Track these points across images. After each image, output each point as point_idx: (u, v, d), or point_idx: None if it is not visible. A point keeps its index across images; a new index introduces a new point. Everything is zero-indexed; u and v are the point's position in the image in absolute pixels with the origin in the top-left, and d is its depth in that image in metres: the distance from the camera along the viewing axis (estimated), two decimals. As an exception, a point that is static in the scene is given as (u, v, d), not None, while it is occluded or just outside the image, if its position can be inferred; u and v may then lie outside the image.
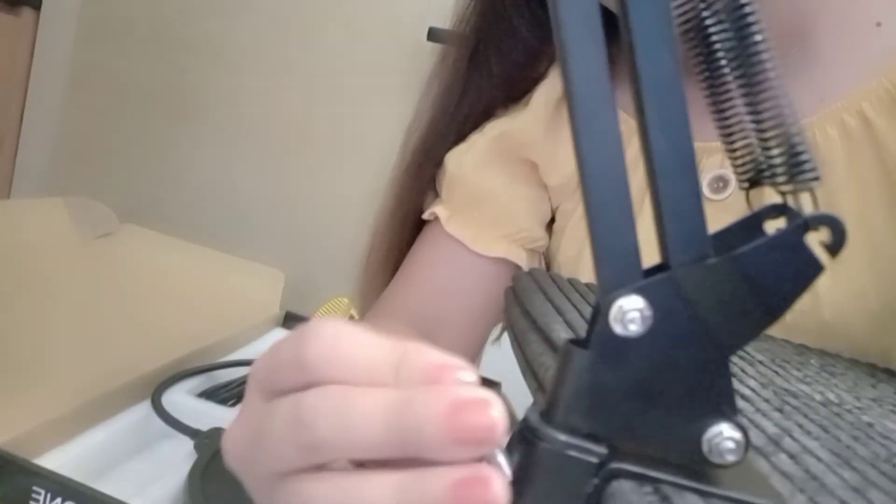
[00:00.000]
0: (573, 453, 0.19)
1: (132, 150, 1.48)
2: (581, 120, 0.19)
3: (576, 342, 0.20)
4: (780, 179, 0.18)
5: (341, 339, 0.21)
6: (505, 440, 0.19)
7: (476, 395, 0.19)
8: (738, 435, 0.19)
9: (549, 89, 0.56)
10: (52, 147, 1.50)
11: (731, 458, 0.19)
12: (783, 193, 0.19)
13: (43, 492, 0.49)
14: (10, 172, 1.47)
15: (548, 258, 0.61)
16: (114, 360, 0.70)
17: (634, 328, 0.18)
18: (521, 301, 0.42)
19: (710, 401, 0.19)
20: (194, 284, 0.99)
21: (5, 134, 1.44)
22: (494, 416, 0.18)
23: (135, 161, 1.47)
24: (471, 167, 0.57)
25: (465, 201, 0.57)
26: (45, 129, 1.48)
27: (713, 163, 0.51)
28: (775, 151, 0.18)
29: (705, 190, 0.51)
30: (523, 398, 0.32)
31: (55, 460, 0.54)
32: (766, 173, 0.19)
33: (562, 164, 0.56)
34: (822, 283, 0.46)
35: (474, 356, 0.59)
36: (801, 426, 0.27)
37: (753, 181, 0.20)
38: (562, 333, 0.32)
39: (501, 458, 0.19)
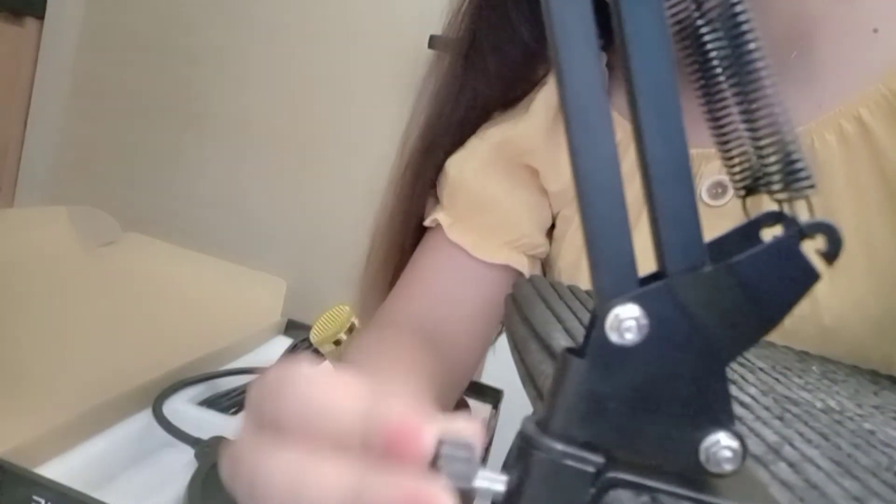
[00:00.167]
0: (570, 462, 0.19)
1: (135, 159, 1.48)
2: (576, 128, 0.19)
3: (572, 351, 0.19)
4: (776, 187, 0.18)
5: (316, 400, 0.22)
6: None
7: (427, 491, 0.19)
8: (735, 444, 0.19)
9: (549, 95, 0.56)
10: (55, 156, 1.51)
11: (728, 467, 0.19)
12: (779, 201, 0.19)
13: (43, 501, 0.49)
14: (14, 181, 1.47)
15: (548, 264, 0.61)
16: (115, 368, 0.70)
17: (631, 337, 0.18)
18: (522, 308, 0.42)
19: (708, 409, 0.19)
20: (196, 293, 0.99)
21: (8, 143, 1.45)
22: None
23: (137, 170, 1.48)
24: (472, 174, 0.57)
25: (466, 208, 0.57)
26: (49, 138, 1.49)
27: (712, 169, 0.51)
28: (771, 159, 0.18)
29: (704, 196, 0.51)
30: (527, 405, 0.32)
31: (56, 469, 0.54)
32: (762, 181, 0.19)
33: (562, 171, 0.56)
34: (821, 288, 0.47)
35: (477, 362, 0.59)
36: (801, 434, 0.27)
37: (749, 189, 0.20)
38: (561, 341, 0.32)
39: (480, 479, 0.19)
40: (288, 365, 0.24)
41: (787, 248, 0.18)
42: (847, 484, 0.23)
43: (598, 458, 0.19)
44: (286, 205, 1.42)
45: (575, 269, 0.57)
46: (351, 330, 0.78)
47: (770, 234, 0.19)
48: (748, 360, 0.38)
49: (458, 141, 0.58)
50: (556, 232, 0.59)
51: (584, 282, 0.53)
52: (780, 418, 0.29)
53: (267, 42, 1.41)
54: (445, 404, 0.51)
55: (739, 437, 0.19)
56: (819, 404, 0.33)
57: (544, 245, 0.59)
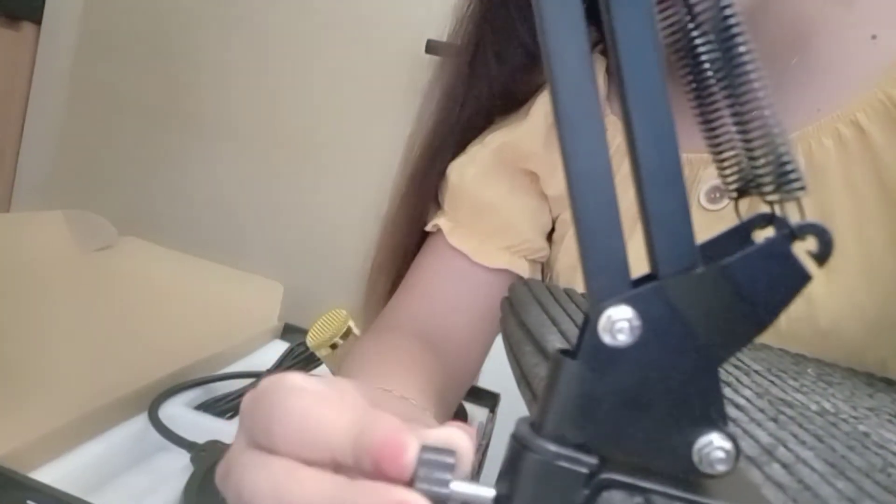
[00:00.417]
0: (563, 464, 0.19)
1: (132, 164, 1.48)
2: (568, 131, 0.19)
3: (565, 352, 0.20)
4: (767, 189, 0.18)
5: (308, 419, 0.23)
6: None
7: (406, 499, 0.20)
8: (728, 445, 0.19)
9: (548, 100, 0.56)
10: (52, 160, 1.50)
11: (721, 468, 0.19)
12: (770, 203, 0.19)
13: (38, 506, 0.49)
14: (10, 185, 1.47)
15: (546, 267, 0.61)
16: (111, 372, 0.70)
17: (623, 338, 0.18)
18: (517, 311, 0.42)
19: (701, 410, 0.19)
20: (193, 296, 0.99)
21: (5, 147, 1.45)
22: None
23: (134, 174, 1.48)
24: (472, 179, 0.57)
25: (467, 213, 0.57)
26: (45, 143, 1.49)
27: (710, 173, 0.51)
28: (762, 161, 0.18)
29: (703, 200, 0.51)
30: (524, 409, 0.32)
31: (51, 474, 0.54)
32: (753, 183, 0.19)
33: (561, 175, 0.56)
34: (817, 291, 0.47)
35: (478, 366, 0.59)
36: (795, 436, 0.27)
37: (742, 191, 0.20)
38: (556, 344, 0.32)
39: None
40: (279, 378, 0.24)
41: (779, 250, 0.18)
42: (841, 485, 0.23)
43: (592, 460, 0.19)
44: (283, 209, 1.42)
45: (573, 271, 0.57)
46: (347, 334, 0.78)
47: (762, 235, 0.19)
48: (743, 363, 0.39)
49: (461, 147, 0.59)
50: (555, 235, 0.59)
51: (581, 285, 0.53)
52: (775, 420, 0.29)
53: (264, 46, 1.41)
54: (446, 407, 0.51)
55: (732, 437, 0.19)
56: (814, 406, 0.33)
57: (545, 249, 0.59)
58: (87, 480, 0.57)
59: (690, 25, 0.19)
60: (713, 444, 0.19)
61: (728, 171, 0.20)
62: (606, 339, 0.19)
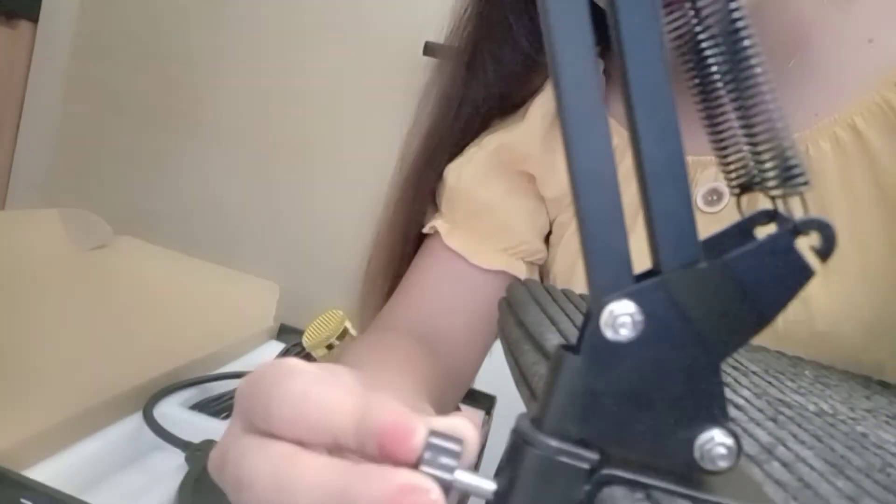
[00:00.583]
0: (564, 459, 0.19)
1: (128, 163, 1.48)
2: (572, 125, 0.19)
3: (567, 347, 0.19)
4: (771, 184, 0.18)
5: (309, 400, 0.22)
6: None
7: (414, 482, 0.19)
8: (730, 441, 0.19)
9: (545, 102, 0.56)
10: (48, 158, 1.50)
11: (723, 464, 0.19)
12: (773, 199, 0.19)
13: (31, 504, 0.49)
14: (6, 183, 1.47)
15: (544, 270, 0.61)
16: (106, 371, 0.69)
17: (625, 333, 0.18)
18: (516, 311, 0.42)
19: (702, 406, 0.19)
20: (189, 296, 0.99)
21: (1, 145, 1.44)
22: (434, 501, 0.19)
23: (130, 173, 1.47)
24: (470, 180, 0.57)
25: (464, 215, 0.57)
26: (41, 141, 1.48)
27: (707, 176, 0.51)
28: (766, 157, 0.18)
29: (699, 202, 0.51)
30: (521, 411, 0.32)
31: (45, 472, 0.53)
32: (757, 179, 0.19)
33: (559, 176, 0.56)
34: (814, 293, 0.47)
35: (475, 368, 0.59)
36: (794, 436, 0.27)
37: (745, 187, 0.20)
38: (555, 342, 0.32)
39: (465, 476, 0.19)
40: (278, 362, 0.24)
41: (782, 245, 0.18)
42: (840, 484, 0.23)
43: (593, 455, 0.19)
44: (280, 210, 1.42)
45: (570, 274, 0.57)
46: (343, 334, 0.78)
47: (764, 232, 0.19)
48: (741, 364, 0.39)
49: (457, 149, 0.58)
50: (552, 238, 0.59)
51: (578, 287, 0.53)
52: (774, 420, 0.29)
53: (261, 46, 1.41)
54: (443, 409, 0.51)
55: (734, 434, 0.19)
56: (812, 407, 0.33)
57: (542, 251, 0.59)
58: (82, 479, 0.56)
59: (696, 23, 0.19)
60: (715, 441, 0.19)
61: (731, 168, 0.20)
62: (608, 333, 0.18)
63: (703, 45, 0.19)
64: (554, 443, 0.19)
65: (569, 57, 0.19)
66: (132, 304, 0.91)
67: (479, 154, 0.57)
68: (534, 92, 0.58)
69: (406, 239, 0.61)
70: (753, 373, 0.37)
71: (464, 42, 0.58)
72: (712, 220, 0.50)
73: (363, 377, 0.26)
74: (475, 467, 0.21)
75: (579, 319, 0.37)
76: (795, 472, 0.23)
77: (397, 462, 0.20)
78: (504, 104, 0.59)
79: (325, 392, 0.22)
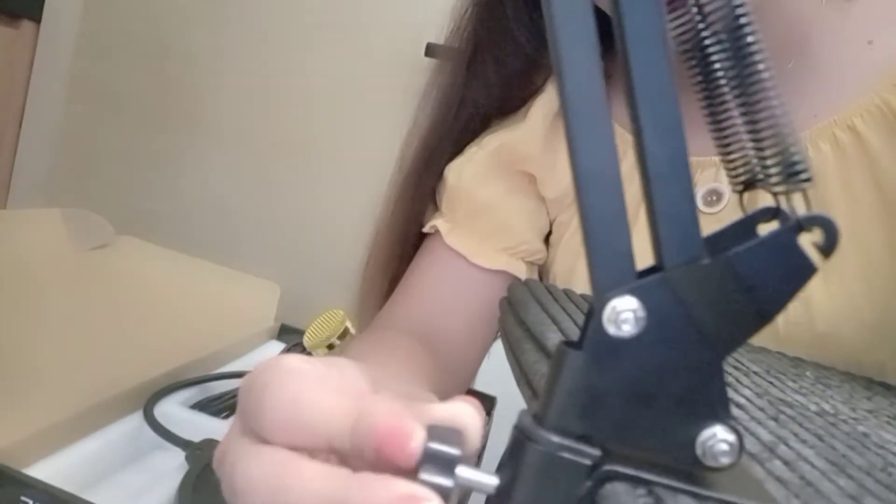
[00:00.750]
0: (566, 455, 0.19)
1: (129, 163, 1.48)
2: (575, 122, 0.19)
3: (569, 344, 0.19)
4: (774, 180, 0.18)
5: (302, 405, 0.21)
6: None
7: (412, 492, 0.19)
8: (732, 437, 0.19)
9: (546, 102, 0.56)
10: (50, 158, 1.50)
11: (725, 460, 0.19)
12: (776, 195, 0.19)
13: (32, 502, 0.49)
14: (8, 183, 1.47)
15: (544, 270, 0.61)
16: (107, 370, 0.69)
17: (628, 329, 0.18)
18: (517, 310, 0.42)
19: (704, 403, 0.19)
20: (190, 296, 0.99)
21: (3, 144, 1.45)
22: None
23: (132, 173, 1.48)
24: (470, 180, 0.57)
25: (465, 214, 0.57)
26: (43, 141, 1.49)
27: (707, 176, 0.51)
28: (769, 153, 0.18)
29: (699, 203, 0.51)
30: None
31: (46, 471, 0.53)
32: (760, 175, 0.19)
33: (559, 177, 0.56)
34: (815, 294, 0.47)
35: (475, 367, 0.59)
36: (796, 435, 0.27)
37: (747, 184, 0.20)
38: (557, 341, 0.32)
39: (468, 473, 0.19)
40: (275, 361, 0.23)
41: (785, 241, 0.18)
42: (842, 482, 0.23)
43: (595, 451, 0.19)
44: (281, 209, 1.42)
45: (570, 274, 0.57)
46: (344, 334, 0.78)
47: (767, 229, 0.19)
48: (742, 364, 0.39)
49: (458, 149, 0.58)
50: (552, 238, 0.59)
51: (578, 287, 0.53)
52: (775, 419, 0.29)
53: (263, 46, 1.41)
54: None
55: (736, 430, 0.19)
56: (813, 407, 0.33)
57: (542, 251, 0.59)
58: (83, 478, 0.56)
59: (699, 20, 0.19)
60: (717, 437, 0.19)
61: (734, 165, 0.20)
62: (611, 329, 0.18)
63: (707, 41, 0.19)
64: (556, 439, 0.19)
65: (573, 55, 0.19)
66: (133, 304, 0.91)
67: (480, 154, 0.57)
68: (534, 92, 0.58)
69: (405, 239, 0.61)
70: (755, 373, 0.37)
71: (464, 43, 0.58)
72: (712, 220, 0.50)
73: (368, 370, 0.26)
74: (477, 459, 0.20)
75: (581, 319, 0.37)
76: (797, 470, 0.23)
77: (395, 467, 0.19)
78: (504, 104, 0.59)
79: (318, 395, 0.21)
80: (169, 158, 1.46)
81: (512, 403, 0.38)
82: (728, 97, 0.19)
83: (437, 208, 0.60)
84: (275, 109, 1.41)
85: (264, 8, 1.40)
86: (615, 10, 0.19)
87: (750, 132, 0.19)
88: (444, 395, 0.56)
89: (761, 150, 0.19)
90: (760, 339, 0.48)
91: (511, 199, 0.57)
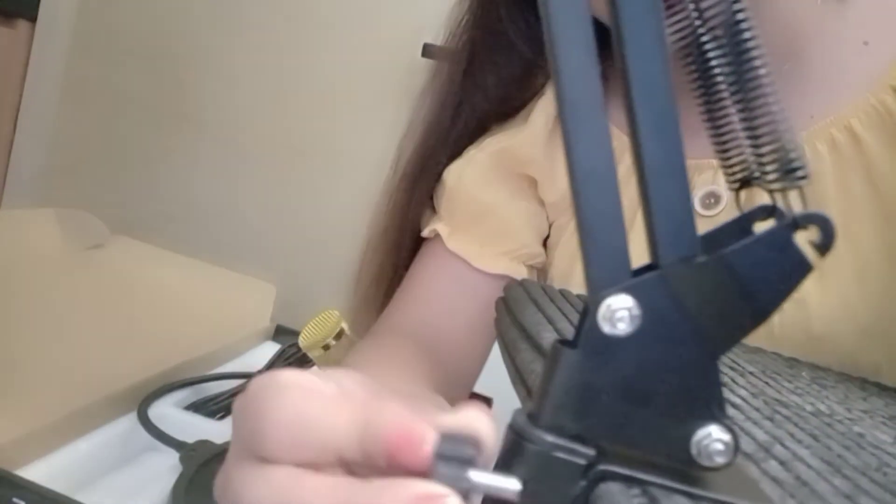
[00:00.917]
0: (560, 455, 0.19)
1: (124, 163, 1.47)
2: (572, 121, 0.19)
3: (564, 342, 0.19)
4: (771, 177, 0.18)
5: (305, 421, 0.20)
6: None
7: (429, 490, 0.18)
8: (727, 437, 0.19)
9: (548, 105, 0.56)
10: (45, 158, 1.50)
11: (720, 460, 0.19)
12: (772, 192, 0.19)
13: (24, 503, 0.48)
14: (2, 182, 1.46)
15: (541, 273, 0.61)
16: (101, 370, 0.69)
17: (623, 327, 0.18)
18: (513, 311, 0.42)
19: (700, 402, 0.19)
20: (185, 297, 0.98)
21: (-2, 145, 1.44)
22: None
23: (127, 173, 1.47)
24: (471, 182, 0.57)
25: (465, 217, 0.57)
26: (38, 140, 1.48)
27: (705, 179, 0.51)
28: (766, 150, 0.18)
29: (697, 206, 0.51)
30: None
31: (38, 472, 0.53)
32: (756, 173, 0.19)
33: (560, 181, 0.56)
34: (811, 295, 0.47)
35: (477, 371, 0.59)
36: (791, 435, 0.27)
37: (744, 181, 0.20)
38: (552, 340, 0.32)
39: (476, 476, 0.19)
40: (268, 378, 0.22)
41: (781, 239, 0.18)
42: (837, 482, 0.23)
43: (589, 451, 0.19)
44: (276, 210, 1.42)
45: (567, 277, 0.57)
46: (340, 335, 0.78)
47: (763, 228, 0.19)
48: (738, 364, 0.38)
49: (454, 153, 0.58)
50: (550, 241, 0.59)
51: (575, 290, 0.53)
52: (771, 419, 0.29)
53: (258, 46, 1.41)
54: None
55: (731, 430, 0.19)
56: (809, 407, 0.33)
57: (542, 255, 0.59)
58: (76, 479, 0.56)
59: (696, 17, 0.19)
60: (712, 437, 0.19)
61: (731, 163, 0.20)
62: (606, 328, 0.18)
63: (704, 39, 0.19)
64: (550, 438, 0.19)
65: (570, 56, 0.19)
66: (127, 304, 0.90)
67: (480, 157, 0.57)
68: (533, 95, 0.58)
69: (400, 244, 0.60)
70: (751, 373, 0.37)
71: (461, 48, 0.58)
72: (709, 223, 0.50)
73: (367, 379, 0.25)
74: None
75: (576, 319, 0.37)
76: (792, 470, 0.23)
77: (409, 472, 0.19)
78: (502, 108, 0.59)
79: (320, 409, 0.21)
80: (164, 159, 1.45)
81: (508, 404, 0.37)
82: (725, 95, 0.19)
83: (434, 213, 0.59)
84: (271, 110, 1.41)
85: (260, 9, 1.39)
86: (613, 15, 0.19)
87: (747, 130, 0.19)
88: (446, 400, 0.56)
89: (758, 147, 0.19)
90: (755, 339, 0.48)
91: (512, 203, 0.57)
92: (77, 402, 0.60)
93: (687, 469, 0.19)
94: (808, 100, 0.49)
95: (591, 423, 0.19)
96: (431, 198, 0.60)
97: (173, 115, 1.44)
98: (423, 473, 0.19)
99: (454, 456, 0.19)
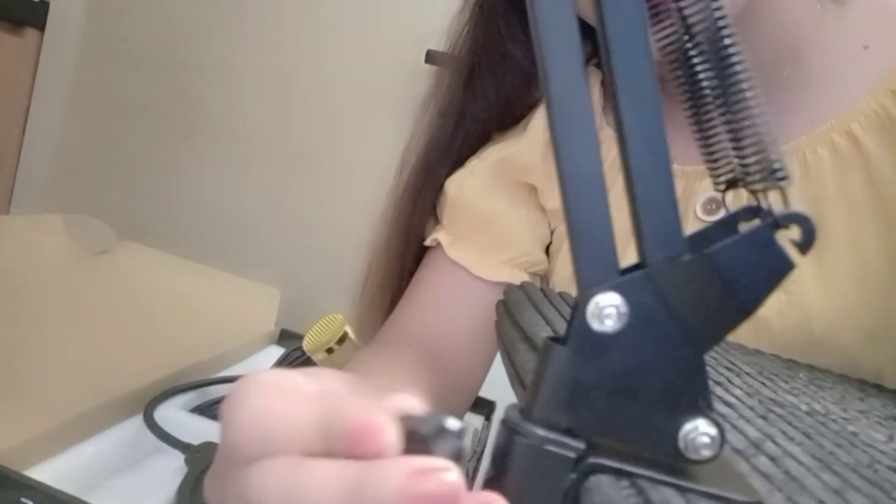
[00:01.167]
0: (551, 448, 0.19)
1: (131, 169, 1.49)
2: (560, 125, 0.20)
3: (555, 339, 0.20)
4: (753, 179, 0.19)
5: (266, 415, 0.21)
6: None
7: (429, 464, 0.19)
8: (713, 431, 0.19)
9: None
10: (53, 164, 1.51)
11: (706, 453, 0.19)
12: (755, 193, 0.19)
13: (32, 503, 0.49)
14: (11, 189, 1.48)
15: (543, 280, 0.61)
16: (108, 374, 0.70)
17: (611, 324, 0.19)
18: (512, 313, 0.42)
19: (687, 397, 0.19)
20: (190, 301, 0.99)
21: (6, 150, 1.46)
22: (451, 479, 0.18)
23: (133, 179, 1.48)
24: (472, 192, 0.57)
25: (466, 226, 0.57)
26: (46, 147, 1.50)
27: (706, 185, 0.51)
28: (748, 153, 0.19)
29: (699, 211, 0.51)
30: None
31: (46, 473, 0.54)
32: (740, 175, 0.19)
33: None
34: (812, 299, 0.47)
35: (480, 378, 0.59)
36: (784, 432, 0.27)
37: (730, 183, 0.20)
38: (549, 341, 0.33)
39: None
40: (244, 381, 0.23)
41: (763, 238, 0.18)
42: (826, 478, 0.23)
43: (579, 444, 0.19)
44: (281, 215, 1.43)
45: (569, 283, 0.57)
46: (343, 339, 0.78)
47: (748, 227, 0.20)
48: (735, 365, 0.39)
49: (456, 163, 0.59)
50: (552, 248, 0.60)
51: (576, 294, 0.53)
52: (764, 417, 0.29)
53: (264, 53, 1.42)
54: None
55: (717, 423, 0.19)
56: (804, 407, 0.33)
57: (544, 262, 0.59)
58: (82, 480, 0.57)
59: (683, 33, 0.20)
60: (698, 430, 0.19)
61: (717, 166, 0.21)
62: (594, 324, 0.19)
63: (689, 49, 0.20)
64: (541, 432, 0.19)
65: (557, 63, 0.19)
66: (134, 309, 0.91)
67: (481, 166, 0.57)
68: (533, 105, 0.59)
69: (405, 253, 0.61)
70: (747, 374, 0.38)
71: (461, 60, 0.58)
72: None
73: (352, 377, 0.26)
74: (473, 474, 0.21)
75: (574, 320, 0.38)
76: (782, 465, 0.23)
77: (376, 457, 0.19)
78: (503, 118, 0.59)
79: (284, 405, 0.21)
80: (170, 164, 1.46)
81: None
82: (710, 102, 0.20)
83: (437, 222, 0.60)
84: (276, 116, 1.42)
85: (266, 15, 1.41)
86: (599, 20, 0.19)
87: (731, 134, 0.19)
88: (449, 407, 0.56)
89: (741, 150, 0.19)
90: (756, 342, 0.48)
91: (513, 211, 0.57)
92: (84, 405, 0.61)
93: (674, 462, 0.19)
94: (809, 104, 0.49)
95: (581, 418, 0.19)
96: (434, 206, 0.60)
97: (179, 121, 1.46)
98: (390, 455, 0.19)
99: (437, 431, 0.19)
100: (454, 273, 0.56)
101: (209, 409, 0.73)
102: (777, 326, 0.48)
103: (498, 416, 0.84)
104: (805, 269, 0.47)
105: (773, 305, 0.48)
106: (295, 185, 1.42)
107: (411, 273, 0.60)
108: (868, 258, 0.47)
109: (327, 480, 0.20)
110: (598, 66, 0.57)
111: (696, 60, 0.20)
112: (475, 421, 0.83)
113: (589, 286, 0.19)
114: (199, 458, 0.60)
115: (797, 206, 0.19)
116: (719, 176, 0.21)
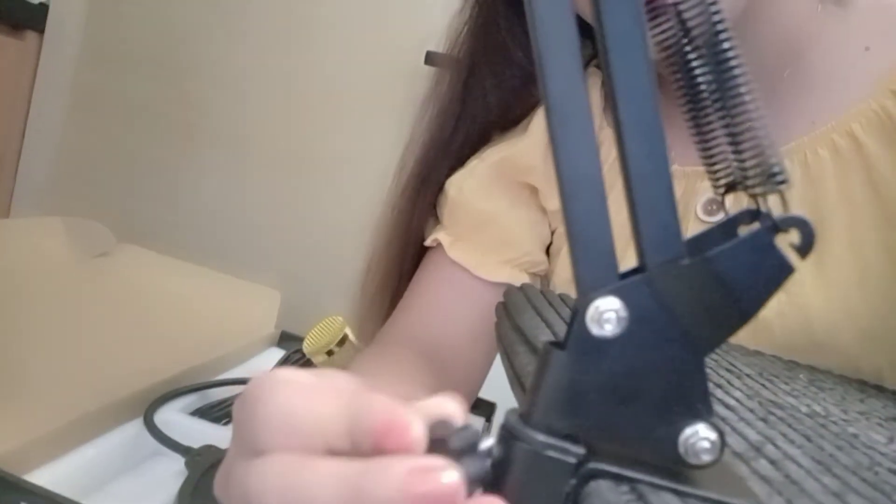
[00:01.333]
0: (551, 453, 0.19)
1: (131, 171, 1.49)
2: (558, 127, 0.20)
3: (554, 343, 0.20)
4: (752, 183, 0.19)
5: (295, 411, 0.21)
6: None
7: (427, 463, 0.19)
8: (713, 435, 0.19)
9: None
10: (53, 166, 1.51)
11: (706, 457, 0.19)
12: (755, 196, 0.19)
13: (32, 507, 0.49)
14: (10, 191, 1.48)
15: (544, 281, 0.61)
16: (107, 377, 0.70)
17: (610, 328, 0.19)
18: (512, 315, 0.42)
19: (687, 401, 0.19)
20: (191, 304, 0.99)
21: (6, 153, 1.46)
22: (450, 479, 0.18)
23: (133, 181, 1.48)
24: (472, 192, 0.57)
25: (467, 226, 0.57)
26: (46, 149, 1.50)
27: (706, 186, 0.51)
28: (747, 156, 0.19)
29: (699, 212, 0.51)
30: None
31: (45, 477, 0.54)
32: (739, 179, 0.19)
33: None
34: (813, 301, 0.47)
35: (480, 379, 0.59)
36: (784, 435, 0.27)
37: (729, 186, 0.20)
38: (548, 344, 0.33)
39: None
40: (264, 376, 0.23)
41: (762, 242, 0.18)
42: (826, 480, 0.23)
43: (579, 449, 0.19)
44: (281, 217, 1.43)
45: (569, 284, 0.57)
46: (343, 341, 0.78)
47: (747, 231, 0.20)
48: (735, 367, 0.39)
49: (456, 164, 0.59)
50: (553, 248, 0.60)
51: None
52: (764, 420, 0.29)
53: (264, 55, 1.42)
54: None
55: (718, 428, 0.19)
56: (804, 409, 0.33)
57: (544, 263, 0.59)
58: (82, 484, 0.57)
59: (682, 35, 0.20)
60: (699, 435, 0.19)
61: (716, 169, 0.21)
62: (594, 329, 0.19)
63: (688, 53, 0.20)
64: (541, 437, 0.19)
65: (556, 63, 0.19)
66: (134, 311, 0.91)
67: (481, 167, 0.57)
68: (533, 105, 0.59)
69: (405, 254, 0.61)
70: (747, 375, 0.38)
71: (461, 60, 0.58)
72: None
73: (360, 379, 0.26)
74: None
75: (574, 322, 0.38)
76: (782, 469, 0.23)
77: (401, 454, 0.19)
78: (503, 118, 0.59)
79: (310, 400, 0.21)
80: (170, 167, 1.46)
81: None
82: (709, 106, 0.20)
83: (437, 222, 0.60)
84: (276, 118, 1.42)
85: (264, 16, 1.41)
86: (596, 18, 0.19)
87: (729, 138, 0.19)
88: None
89: (740, 154, 0.19)
90: (757, 343, 0.48)
91: (513, 212, 0.57)
92: (84, 408, 0.61)
93: (675, 467, 0.19)
94: (810, 105, 0.49)
95: (580, 422, 0.19)
96: (434, 207, 0.60)
97: (179, 124, 1.46)
98: (415, 453, 0.19)
99: (469, 448, 0.19)
100: (454, 273, 0.56)
101: (210, 412, 0.72)
102: (777, 327, 0.48)
103: (499, 417, 0.83)
104: (805, 269, 0.47)
105: (774, 306, 0.48)
106: (295, 186, 1.42)
107: (411, 273, 0.60)
108: (868, 259, 0.47)
109: (327, 477, 0.20)
110: (599, 66, 0.57)
111: (694, 63, 0.20)
112: (476, 423, 0.83)
113: (588, 290, 0.19)
114: (200, 462, 0.60)
115: (798, 207, 0.19)
116: (718, 179, 0.21)
